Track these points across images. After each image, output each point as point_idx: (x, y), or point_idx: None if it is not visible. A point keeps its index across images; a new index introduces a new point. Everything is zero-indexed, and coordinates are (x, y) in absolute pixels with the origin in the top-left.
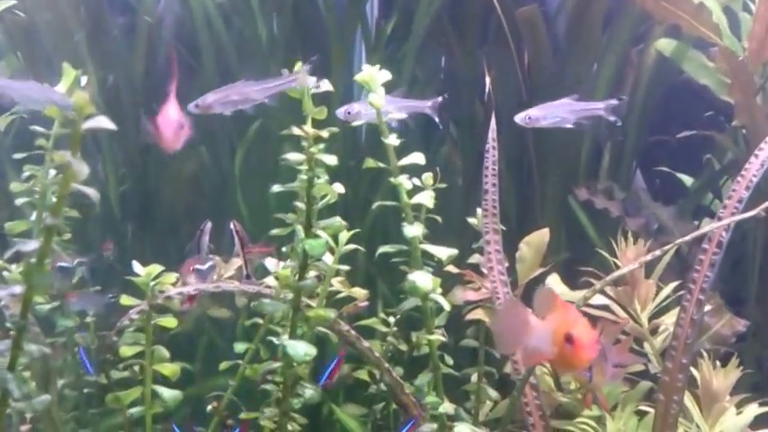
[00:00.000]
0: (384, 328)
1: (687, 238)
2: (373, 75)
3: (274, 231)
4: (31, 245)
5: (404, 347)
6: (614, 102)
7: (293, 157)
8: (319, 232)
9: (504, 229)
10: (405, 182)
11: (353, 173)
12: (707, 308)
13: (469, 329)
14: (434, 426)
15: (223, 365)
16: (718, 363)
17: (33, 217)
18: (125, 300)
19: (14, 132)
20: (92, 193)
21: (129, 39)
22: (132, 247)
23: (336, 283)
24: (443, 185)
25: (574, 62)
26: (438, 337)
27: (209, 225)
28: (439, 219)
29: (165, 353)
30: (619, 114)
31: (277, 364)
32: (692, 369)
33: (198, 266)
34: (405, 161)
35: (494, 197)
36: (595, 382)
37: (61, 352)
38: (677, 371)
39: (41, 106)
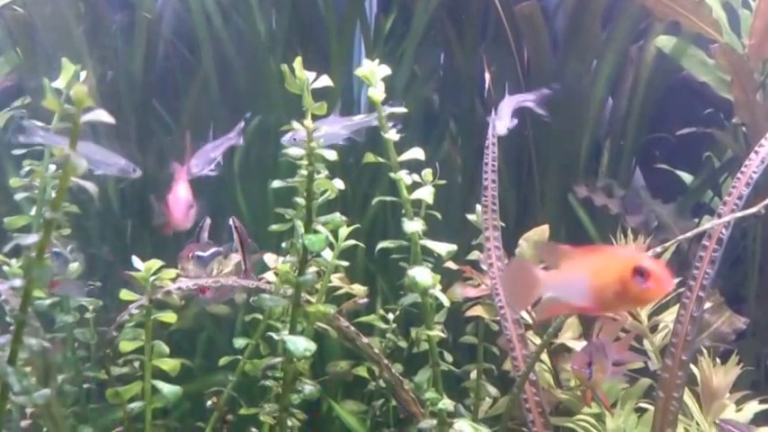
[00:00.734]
0: (383, 325)
1: (688, 234)
2: (373, 69)
3: (274, 227)
4: (31, 239)
5: (403, 344)
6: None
7: (293, 151)
8: (319, 228)
9: (503, 225)
10: (404, 177)
11: (353, 169)
12: (707, 305)
13: (469, 326)
14: (434, 422)
15: (222, 361)
16: (717, 360)
17: (33, 212)
18: (125, 295)
19: (14, 128)
20: (90, 187)
21: (128, 35)
22: (132, 242)
23: (336, 280)
24: (443, 182)
25: (573, 59)
26: (437, 333)
27: (208, 221)
28: (438, 215)
29: (165, 348)
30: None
31: (277, 360)
32: (692, 366)
33: (199, 253)
34: (404, 156)
35: (493, 193)
36: (595, 379)
37: (61, 347)
38: (677, 368)
39: (105, 170)
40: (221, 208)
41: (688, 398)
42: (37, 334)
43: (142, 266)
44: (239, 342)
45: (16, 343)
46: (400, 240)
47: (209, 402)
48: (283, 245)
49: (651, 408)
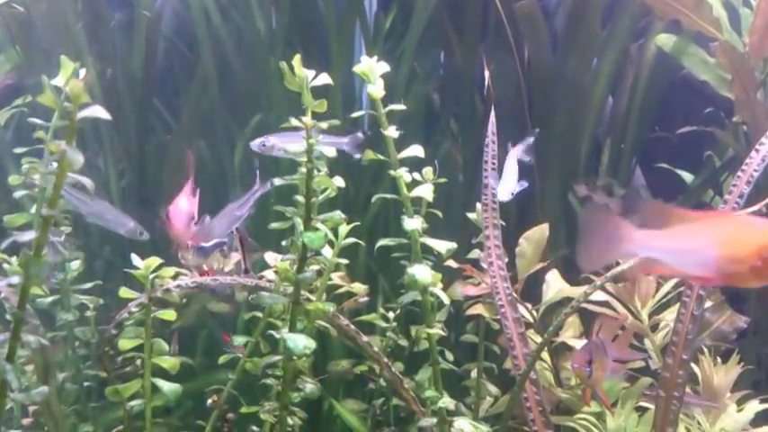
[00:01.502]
0: (384, 324)
1: None
2: (372, 66)
3: (274, 225)
4: (28, 235)
5: (404, 343)
6: (359, 135)
7: (293, 148)
8: (319, 225)
9: (503, 224)
10: (404, 174)
11: (354, 168)
12: (708, 304)
13: (469, 325)
14: (434, 421)
15: (223, 359)
16: (718, 359)
17: (33, 210)
18: (124, 293)
19: (14, 126)
20: (88, 182)
21: (127, 32)
22: (131, 240)
23: (336, 278)
24: (443, 180)
25: (573, 57)
26: (438, 331)
27: (208, 219)
28: (439, 213)
29: (165, 346)
30: (359, 149)
31: (277, 358)
32: (693, 365)
33: (202, 245)
34: (404, 154)
35: (494, 191)
36: (595, 378)
37: (62, 345)
38: (678, 367)
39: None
40: (221, 207)
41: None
42: (36, 331)
43: (141, 264)
44: (239, 340)
45: (14, 340)
46: (401, 238)
47: (209, 401)
48: (283, 243)
49: (652, 407)
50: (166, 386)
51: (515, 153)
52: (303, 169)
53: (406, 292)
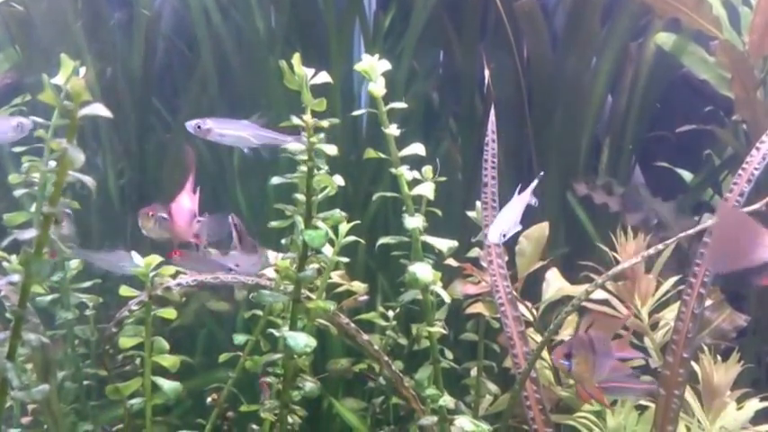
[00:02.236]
0: (384, 322)
1: (690, 232)
2: (373, 64)
3: (274, 223)
4: (29, 233)
5: (404, 341)
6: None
7: (293, 146)
8: (319, 223)
9: None
10: (405, 172)
11: (354, 166)
12: (708, 302)
13: (469, 323)
14: (434, 419)
15: (223, 357)
16: (718, 357)
17: (33, 209)
18: (124, 291)
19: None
20: (89, 181)
21: (127, 31)
22: (132, 238)
23: (336, 277)
24: (443, 179)
25: (573, 56)
26: (438, 330)
27: (207, 218)
28: (439, 212)
29: (165, 344)
30: None
31: (277, 356)
32: (693, 364)
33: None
34: (405, 152)
35: (493, 190)
36: (577, 373)
37: (61, 344)
38: (678, 365)
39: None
40: (221, 205)
41: (689, 395)
42: (36, 330)
43: (141, 262)
44: (239, 338)
45: (15, 338)
46: (401, 237)
47: (209, 399)
48: (283, 241)
49: (652, 405)
50: (166, 384)
51: (523, 198)
52: (303, 167)
53: (405, 291)
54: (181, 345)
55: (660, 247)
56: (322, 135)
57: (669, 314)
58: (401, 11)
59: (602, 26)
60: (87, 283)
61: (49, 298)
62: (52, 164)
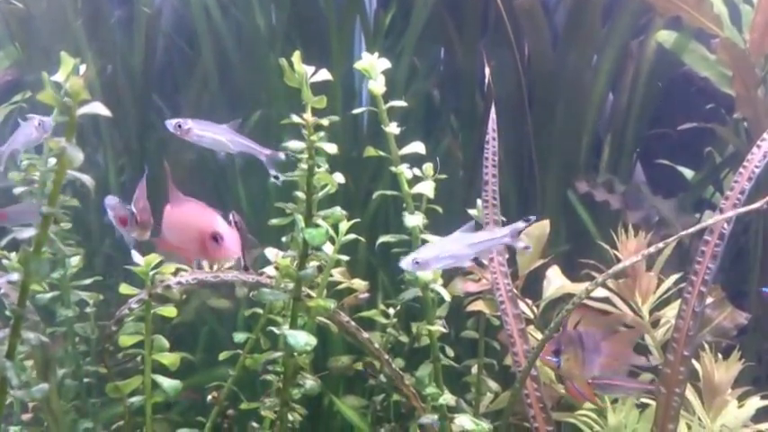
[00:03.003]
0: (384, 320)
1: (691, 230)
2: (373, 62)
3: (274, 221)
4: (28, 232)
5: (404, 339)
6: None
7: (293, 144)
8: (319, 221)
9: (504, 220)
10: (405, 171)
11: (355, 164)
12: (709, 300)
13: (470, 321)
14: (435, 417)
15: (223, 355)
16: (719, 355)
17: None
18: (124, 289)
19: (13, 123)
20: (87, 179)
21: (127, 29)
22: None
23: (337, 275)
24: (444, 177)
25: (573, 54)
26: (438, 327)
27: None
28: (440, 210)
29: (165, 342)
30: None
31: (278, 354)
32: (694, 362)
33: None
34: (405, 150)
35: (494, 188)
36: (566, 369)
37: (61, 342)
38: (679, 363)
39: None
40: (222, 202)
41: (690, 393)
42: (36, 328)
43: (142, 261)
44: (239, 336)
45: (14, 337)
46: (401, 235)
47: (209, 397)
48: (284, 239)
49: (653, 403)
50: (166, 382)
51: (464, 238)
52: (304, 165)
53: (406, 289)
54: (182, 342)
55: (661, 244)
56: (322, 133)
57: (670, 312)
58: (402, 9)
59: (603, 24)
60: (88, 281)
61: (49, 295)
62: (52, 162)
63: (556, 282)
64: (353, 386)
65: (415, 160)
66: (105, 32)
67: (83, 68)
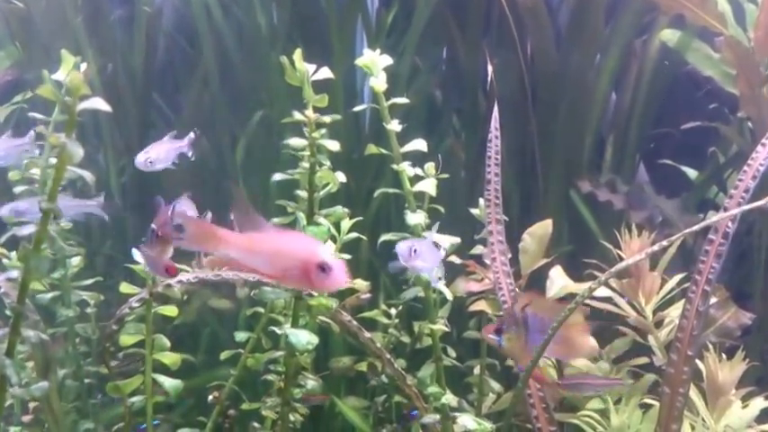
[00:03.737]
0: (386, 320)
1: (694, 228)
2: (374, 59)
3: (276, 220)
4: (28, 229)
5: (406, 339)
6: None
7: (295, 142)
8: (321, 220)
9: (506, 219)
10: (407, 169)
11: (357, 163)
12: (713, 300)
13: (472, 321)
14: (437, 417)
15: (224, 355)
16: (723, 355)
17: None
18: (125, 288)
19: (14, 123)
20: (87, 176)
21: (128, 28)
22: (133, 236)
23: None
24: (446, 175)
25: (577, 53)
26: (440, 327)
27: (209, 216)
28: (441, 209)
29: (166, 342)
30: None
31: (279, 354)
32: (698, 362)
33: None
34: (407, 148)
35: (496, 187)
36: (508, 350)
37: (62, 342)
38: (683, 363)
39: None
40: (223, 201)
41: (694, 394)
42: (36, 327)
43: (142, 260)
44: (241, 335)
45: (14, 335)
46: (403, 233)
47: (210, 397)
48: None
49: (656, 404)
50: (167, 382)
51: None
52: (305, 163)
53: (408, 288)
54: (183, 342)
55: (665, 244)
56: (324, 131)
57: (674, 312)
58: (404, 7)
59: (607, 23)
60: (89, 281)
61: (49, 295)
62: (53, 160)
63: (559, 281)
64: (355, 386)
65: (418, 159)
66: (106, 32)
67: (83, 66)
